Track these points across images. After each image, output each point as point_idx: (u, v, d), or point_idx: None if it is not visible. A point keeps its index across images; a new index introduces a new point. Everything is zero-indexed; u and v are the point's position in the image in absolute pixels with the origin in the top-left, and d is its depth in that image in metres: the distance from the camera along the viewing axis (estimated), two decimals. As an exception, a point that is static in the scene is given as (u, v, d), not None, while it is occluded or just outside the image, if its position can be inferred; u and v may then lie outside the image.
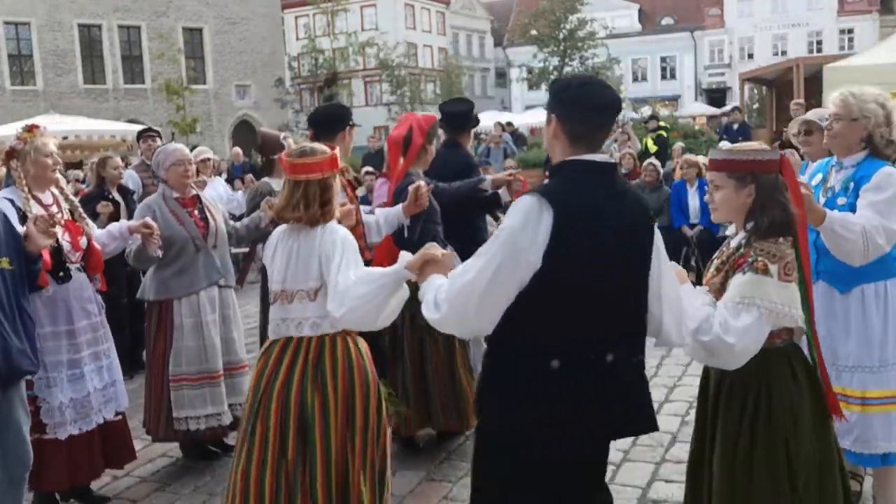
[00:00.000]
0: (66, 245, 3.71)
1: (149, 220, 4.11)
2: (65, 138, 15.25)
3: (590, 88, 2.30)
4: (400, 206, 4.10)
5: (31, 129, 3.76)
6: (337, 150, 3.11)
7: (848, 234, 3.01)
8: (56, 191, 3.88)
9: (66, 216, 3.84)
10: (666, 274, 2.37)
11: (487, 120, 18.02)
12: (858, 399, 3.22)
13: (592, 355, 2.23)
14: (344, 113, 4.28)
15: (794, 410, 2.44)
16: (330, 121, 4.21)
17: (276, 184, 5.11)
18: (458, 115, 4.98)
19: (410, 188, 4.03)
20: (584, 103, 2.26)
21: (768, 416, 2.44)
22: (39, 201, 3.72)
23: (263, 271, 5.38)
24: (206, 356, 4.28)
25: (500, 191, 4.65)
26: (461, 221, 4.59)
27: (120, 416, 4.06)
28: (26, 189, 3.65)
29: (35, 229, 3.18)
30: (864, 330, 3.22)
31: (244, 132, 34.50)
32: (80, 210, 3.97)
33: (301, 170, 2.97)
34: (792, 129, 4.20)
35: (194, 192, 4.53)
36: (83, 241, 3.83)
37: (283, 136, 5.18)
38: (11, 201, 3.62)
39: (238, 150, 16.91)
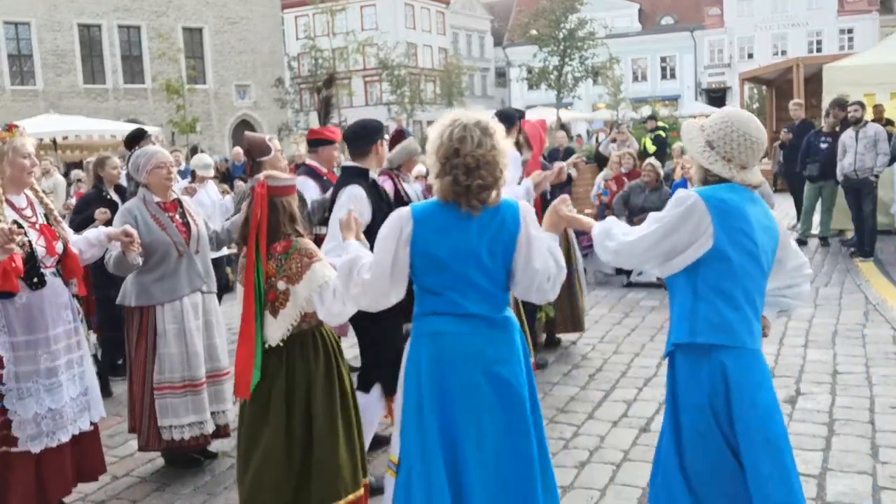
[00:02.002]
0: (40, 251, 3.51)
1: (128, 227, 3.91)
2: (65, 138, 15.24)
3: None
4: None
5: (9, 128, 3.57)
6: None
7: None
8: (31, 193, 3.68)
9: (41, 220, 3.63)
10: None
11: (487, 120, 17.97)
12: None
13: None
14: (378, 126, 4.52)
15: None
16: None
17: None
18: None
19: (555, 165, 5.50)
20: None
21: None
22: (12, 205, 3.53)
23: None
24: (188, 363, 4.17)
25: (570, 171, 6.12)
26: (543, 194, 6.30)
27: (93, 427, 3.83)
28: (0, 191, 3.44)
29: None
30: None
31: (244, 132, 34.50)
32: (56, 213, 3.78)
33: None
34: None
35: (175, 195, 4.38)
36: (58, 246, 3.62)
37: (268, 138, 5.19)
38: None
39: (239, 149, 16.90)
